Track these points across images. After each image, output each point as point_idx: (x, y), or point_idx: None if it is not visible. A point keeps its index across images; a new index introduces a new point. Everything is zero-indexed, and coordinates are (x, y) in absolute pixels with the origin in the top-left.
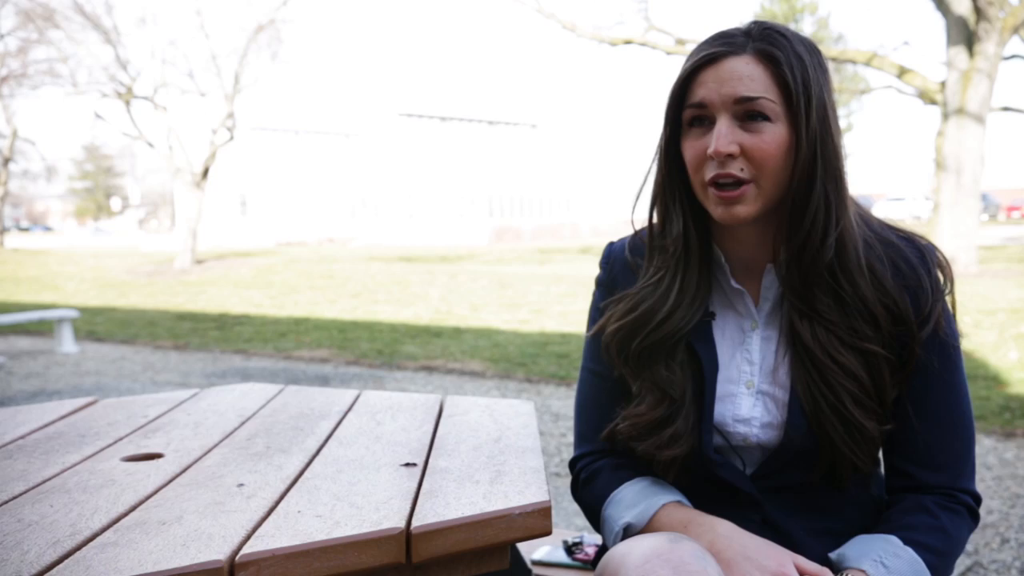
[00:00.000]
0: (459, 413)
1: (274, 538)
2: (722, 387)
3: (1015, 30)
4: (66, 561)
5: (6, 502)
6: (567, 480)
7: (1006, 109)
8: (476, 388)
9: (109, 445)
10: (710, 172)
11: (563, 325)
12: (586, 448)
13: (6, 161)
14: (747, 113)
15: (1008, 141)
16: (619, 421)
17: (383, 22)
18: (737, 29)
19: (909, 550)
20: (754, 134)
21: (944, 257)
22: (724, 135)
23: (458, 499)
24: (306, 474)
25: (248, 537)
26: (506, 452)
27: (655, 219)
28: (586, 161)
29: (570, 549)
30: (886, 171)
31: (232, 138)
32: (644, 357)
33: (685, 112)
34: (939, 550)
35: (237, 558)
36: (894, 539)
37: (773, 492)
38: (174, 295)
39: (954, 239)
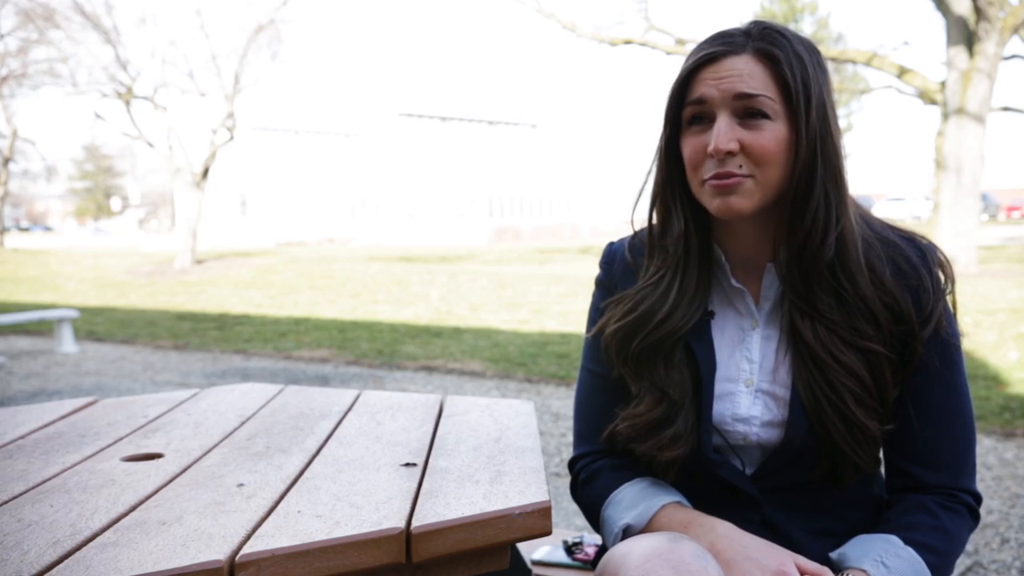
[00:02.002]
0: (459, 413)
1: (274, 538)
2: (720, 386)
3: (1015, 30)
4: (66, 561)
5: (6, 502)
6: (567, 480)
7: (1006, 109)
8: (476, 388)
9: (109, 445)
10: (709, 170)
11: (563, 325)
12: (585, 448)
13: (6, 161)
14: (747, 110)
15: (1008, 141)
16: (618, 422)
17: (383, 22)
18: (736, 29)
19: (910, 550)
20: (754, 131)
21: (945, 256)
22: (724, 132)
23: (458, 499)
24: (306, 474)
25: (248, 537)
26: (506, 452)
27: (655, 219)
28: (586, 161)
29: (570, 549)
30: (886, 171)
31: (232, 138)
32: (643, 357)
33: (685, 110)
34: (940, 550)
35: (237, 558)
36: (895, 539)
37: (773, 492)
38: (174, 295)
39: (954, 239)
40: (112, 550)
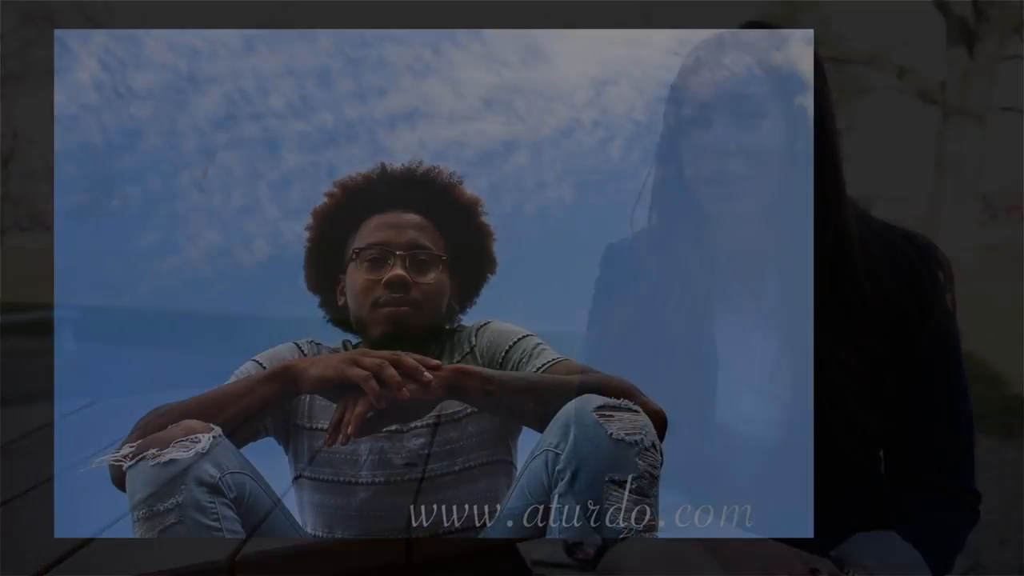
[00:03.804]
0: None
1: (274, 538)
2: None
3: (1015, 30)
4: (66, 561)
5: (7, 502)
6: None
7: (1006, 109)
8: None
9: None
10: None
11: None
12: None
13: (6, 161)
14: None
15: (1008, 141)
16: None
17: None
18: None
19: (908, 545)
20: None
21: (944, 255)
22: None
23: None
24: None
25: (248, 537)
26: None
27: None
28: None
29: (570, 549)
30: (886, 171)
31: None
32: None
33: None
34: (939, 546)
35: (237, 558)
36: (894, 535)
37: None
38: None
39: (954, 239)
40: (112, 550)
